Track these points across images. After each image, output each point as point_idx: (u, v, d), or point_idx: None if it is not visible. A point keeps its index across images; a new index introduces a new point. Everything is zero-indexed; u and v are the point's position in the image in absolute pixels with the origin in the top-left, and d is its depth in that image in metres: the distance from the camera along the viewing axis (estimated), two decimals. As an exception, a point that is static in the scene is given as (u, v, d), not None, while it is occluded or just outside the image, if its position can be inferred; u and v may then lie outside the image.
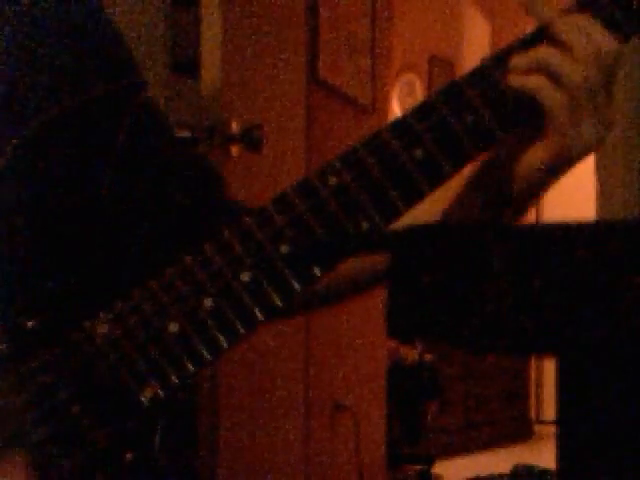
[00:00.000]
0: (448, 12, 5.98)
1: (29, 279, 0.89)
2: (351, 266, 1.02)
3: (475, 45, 6.14)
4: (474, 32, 6.18)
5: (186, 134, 1.92)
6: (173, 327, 0.86)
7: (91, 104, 0.93)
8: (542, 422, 6.35)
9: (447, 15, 5.98)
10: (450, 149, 0.89)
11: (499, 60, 0.92)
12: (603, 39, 0.91)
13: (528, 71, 0.91)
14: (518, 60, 0.91)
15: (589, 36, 0.90)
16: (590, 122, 0.91)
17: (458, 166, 0.90)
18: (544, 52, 0.91)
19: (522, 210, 0.99)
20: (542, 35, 0.92)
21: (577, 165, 0.95)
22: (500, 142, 0.93)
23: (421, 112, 0.90)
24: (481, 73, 0.91)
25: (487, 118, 0.90)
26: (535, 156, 0.94)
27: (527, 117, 0.92)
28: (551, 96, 0.90)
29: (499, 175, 0.97)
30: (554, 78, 0.90)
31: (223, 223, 0.90)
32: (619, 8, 0.91)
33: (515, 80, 0.91)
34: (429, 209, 0.98)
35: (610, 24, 0.92)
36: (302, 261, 0.87)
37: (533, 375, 6.44)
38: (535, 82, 0.90)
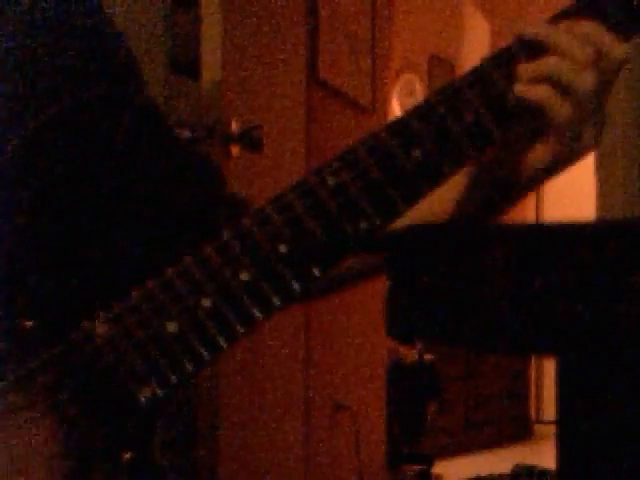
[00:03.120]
0: (448, 12, 5.97)
1: (28, 279, 0.89)
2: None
3: (475, 45, 6.14)
4: (474, 32, 6.18)
5: (186, 134, 1.91)
6: (172, 327, 0.86)
7: (91, 104, 0.93)
8: (542, 422, 6.35)
9: (447, 15, 5.98)
10: (449, 149, 0.89)
11: (500, 64, 0.91)
12: (607, 42, 0.91)
13: (536, 81, 0.91)
14: (524, 70, 0.91)
15: (591, 42, 0.91)
16: (590, 125, 0.93)
17: (457, 166, 0.90)
18: (551, 63, 0.91)
19: (515, 204, 1.00)
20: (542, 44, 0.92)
21: (577, 165, 0.96)
22: (499, 143, 0.93)
23: (420, 112, 0.90)
24: (481, 75, 0.91)
25: (486, 119, 0.91)
26: (535, 157, 0.95)
27: (528, 122, 0.93)
28: (558, 108, 0.91)
29: (498, 174, 0.98)
30: (561, 89, 0.91)
31: (226, 220, 0.90)
32: (619, 8, 0.91)
33: (522, 90, 0.91)
34: (428, 209, 0.98)
35: (613, 24, 0.92)
36: (301, 261, 0.87)
37: (533, 375, 6.44)
38: (542, 94, 0.91)
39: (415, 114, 0.89)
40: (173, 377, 0.86)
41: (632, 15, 0.92)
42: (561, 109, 0.91)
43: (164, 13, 1.88)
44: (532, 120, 0.93)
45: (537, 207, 6.39)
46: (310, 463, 2.73)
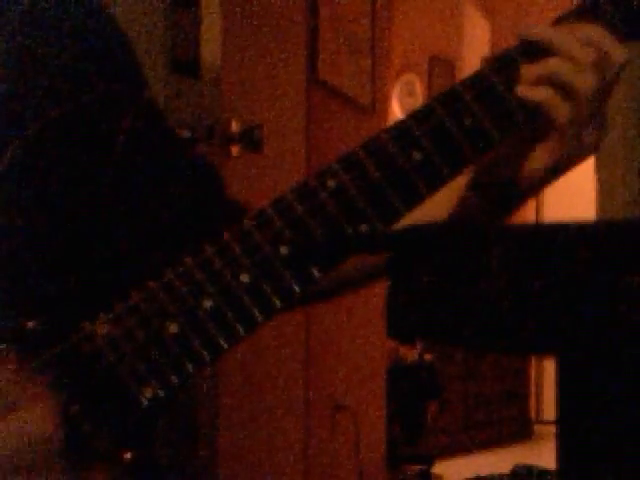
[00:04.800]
0: (448, 12, 5.97)
1: (29, 280, 0.89)
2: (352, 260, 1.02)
3: (475, 45, 6.14)
4: (474, 32, 6.18)
5: (186, 134, 1.91)
6: (173, 328, 0.86)
7: (91, 105, 0.93)
8: (542, 422, 6.35)
9: (447, 15, 5.98)
10: (449, 152, 0.89)
11: (500, 67, 0.92)
12: (608, 45, 0.92)
13: (537, 82, 0.91)
14: (526, 71, 0.92)
15: (592, 44, 0.91)
16: (591, 128, 0.93)
17: (457, 169, 0.90)
18: (552, 64, 0.91)
19: (519, 207, 1.00)
20: (543, 47, 0.92)
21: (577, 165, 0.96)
22: (499, 145, 0.93)
23: (420, 115, 0.90)
24: (481, 78, 0.91)
25: (486, 123, 0.91)
26: (536, 159, 0.95)
27: (529, 124, 0.93)
28: (560, 110, 0.91)
29: (499, 176, 0.98)
30: (564, 91, 0.91)
31: (223, 223, 0.90)
32: (618, 9, 0.92)
33: (523, 91, 0.92)
34: (430, 211, 0.98)
35: (614, 28, 0.92)
36: (301, 262, 0.87)
37: (533, 375, 6.45)
38: (545, 95, 0.91)
39: (416, 117, 0.89)
40: (174, 378, 0.86)
41: (632, 18, 0.92)
42: (562, 110, 0.91)
43: (164, 13, 1.88)
44: (533, 122, 0.93)
45: (537, 207, 6.39)
46: (310, 463, 2.73)
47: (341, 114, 3.03)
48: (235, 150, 2.06)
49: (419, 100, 5.71)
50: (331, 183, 0.88)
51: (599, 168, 2.36)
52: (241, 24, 2.21)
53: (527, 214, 6.20)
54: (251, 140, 2.07)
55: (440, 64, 5.95)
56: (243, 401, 2.29)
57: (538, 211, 6.38)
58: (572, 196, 5.33)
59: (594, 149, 0.95)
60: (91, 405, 0.86)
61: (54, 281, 0.89)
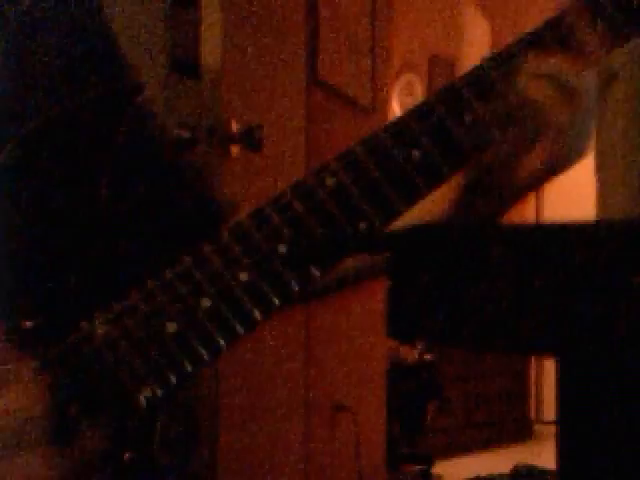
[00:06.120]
0: (448, 12, 5.98)
1: (28, 279, 0.89)
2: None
3: (475, 45, 6.14)
4: (474, 32, 6.18)
5: (186, 134, 1.91)
6: (171, 327, 0.86)
7: (90, 105, 0.93)
8: (542, 422, 6.35)
9: (447, 15, 5.98)
10: (448, 150, 0.89)
11: (499, 63, 0.91)
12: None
13: (539, 79, 0.90)
14: (530, 67, 0.90)
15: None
16: (589, 126, 0.92)
17: (457, 166, 0.90)
18: (557, 62, 0.90)
19: (512, 207, 0.99)
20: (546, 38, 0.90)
21: (577, 165, 0.95)
22: (495, 145, 0.92)
23: (419, 113, 0.90)
24: (480, 74, 0.90)
25: (485, 119, 0.90)
26: (531, 163, 0.93)
27: (527, 124, 0.91)
28: (560, 111, 0.89)
29: (496, 177, 0.97)
30: (565, 90, 0.89)
31: (215, 223, 0.90)
32: (619, 8, 0.90)
33: (526, 86, 0.90)
34: (429, 209, 0.98)
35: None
36: (300, 261, 0.87)
37: (533, 375, 6.44)
38: (545, 94, 0.89)
39: (415, 114, 0.89)
40: (172, 377, 0.86)
41: (632, 15, 0.90)
42: (562, 113, 0.90)
43: (164, 13, 1.88)
44: (531, 122, 0.91)
45: (537, 207, 6.39)
46: (310, 463, 2.73)
47: (341, 114, 3.03)
48: (235, 150, 2.06)
49: (419, 100, 5.70)
50: (330, 181, 0.87)
51: (599, 168, 2.36)
52: (241, 24, 2.21)
53: (527, 214, 6.20)
54: (251, 140, 2.07)
55: (440, 64, 5.95)
56: (243, 401, 2.29)
57: (538, 211, 6.38)
58: (572, 196, 5.33)
59: (589, 149, 0.93)
60: (90, 405, 0.86)
61: (52, 281, 0.89)
